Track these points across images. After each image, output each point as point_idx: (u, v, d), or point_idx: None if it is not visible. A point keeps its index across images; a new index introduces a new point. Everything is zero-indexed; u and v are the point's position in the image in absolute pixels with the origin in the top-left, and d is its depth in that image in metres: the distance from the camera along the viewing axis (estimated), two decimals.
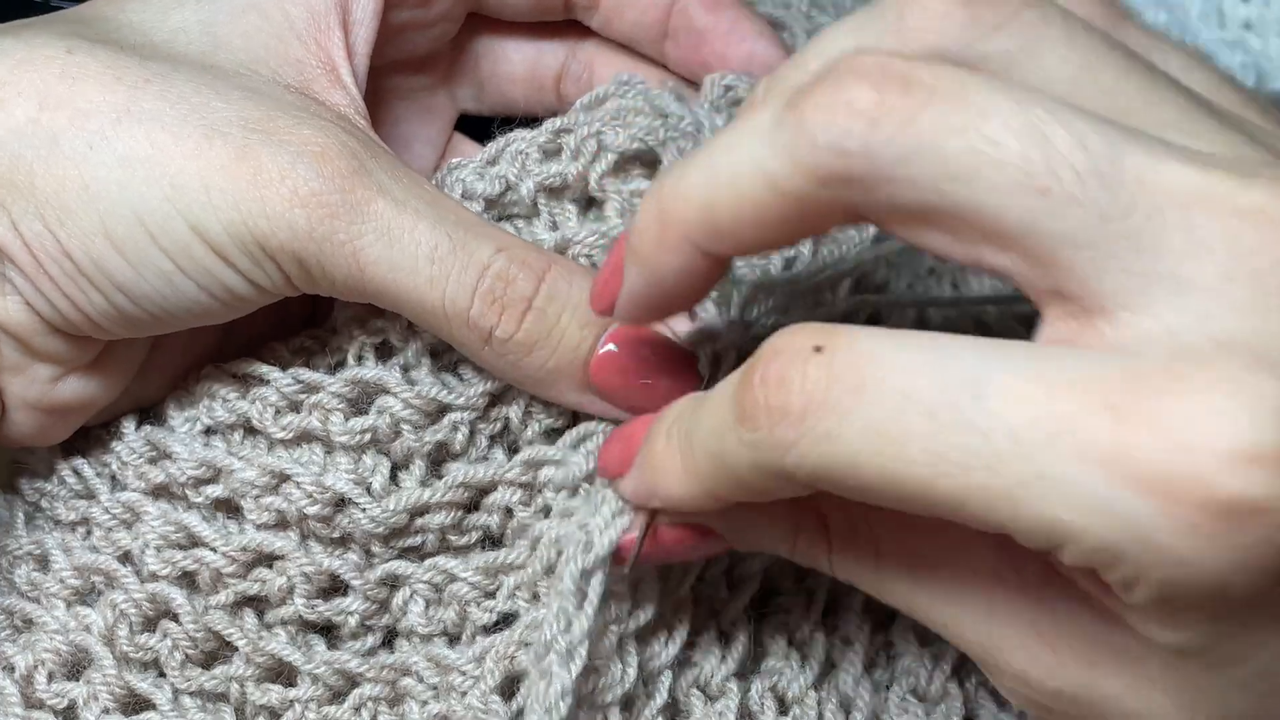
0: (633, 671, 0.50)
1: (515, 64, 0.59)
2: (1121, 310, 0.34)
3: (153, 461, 0.50)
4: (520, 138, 0.52)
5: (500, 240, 0.47)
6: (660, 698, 0.51)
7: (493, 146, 0.52)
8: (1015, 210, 0.34)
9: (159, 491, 0.50)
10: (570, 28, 0.58)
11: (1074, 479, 0.32)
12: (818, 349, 0.35)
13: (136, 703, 0.49)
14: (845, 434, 0.34)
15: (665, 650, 0.52)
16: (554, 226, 0.51)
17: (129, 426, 0.51)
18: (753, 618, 0.54)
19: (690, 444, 0.40)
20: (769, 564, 0.54)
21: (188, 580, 0.50)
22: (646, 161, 0.52)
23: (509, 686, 0.49)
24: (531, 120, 0.54)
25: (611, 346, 0.47)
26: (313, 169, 0.45)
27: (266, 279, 0.46)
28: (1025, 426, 0.33)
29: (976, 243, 0.35)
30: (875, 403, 0.34)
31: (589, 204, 0.52)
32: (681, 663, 0.52)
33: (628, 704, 0.51)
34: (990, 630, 0.40)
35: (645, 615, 0.51)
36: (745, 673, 0.53)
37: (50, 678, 0.49)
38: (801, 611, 0.54)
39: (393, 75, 0.57)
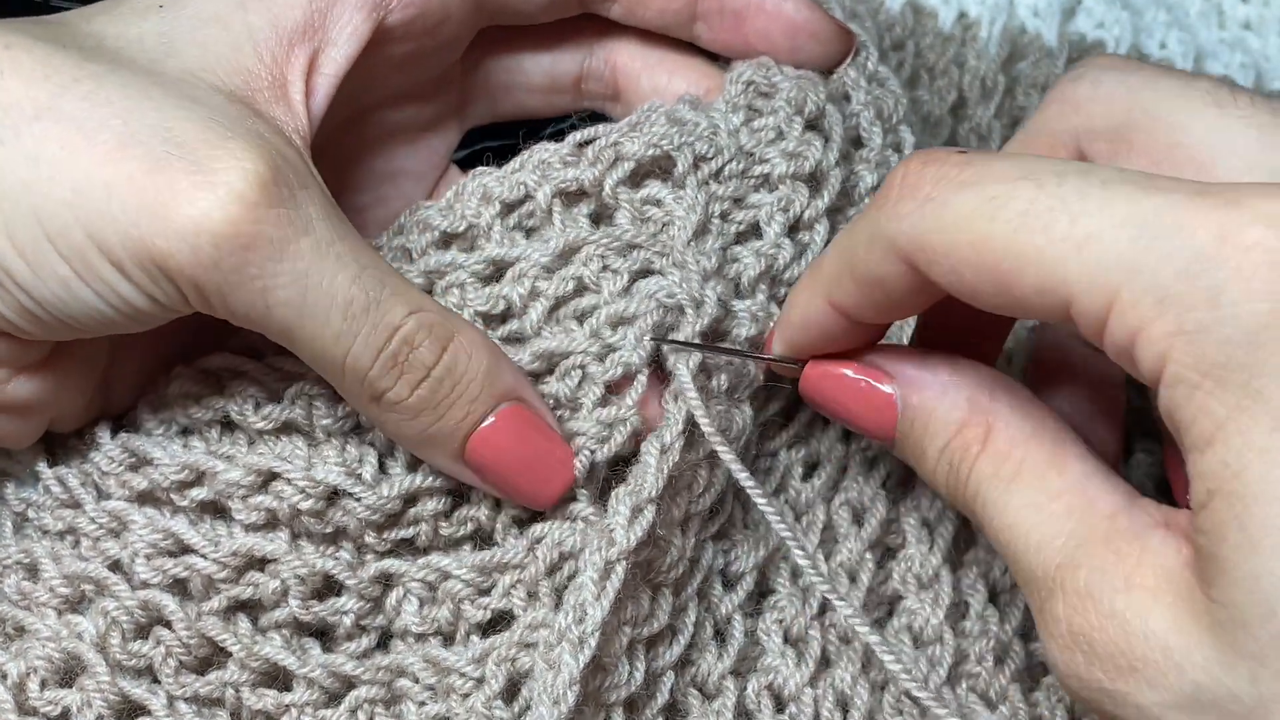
0: (640, 675, 0.50)
1: (531, 74, 0.59)
2: None
3: (133, 469, 0.50)
4: (544, 149, 0.53)
5: (415, 301, 0.46)
6: (662, 697, 0.52)
7: (518, 159, 0.53)
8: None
9: (144, 498, 0.50)
10: (585, 25, 0.58)
11: (1147, 223, 0.37)
12: (963, 152, 0.41)
13: (131, 709, 0.49)
14: (956, 201, 0.40)
15: (669, 651, 0.52)
16: (564, 230, 0.51)
17: (104, 435, 0.51)
18: (749, 615, 0.54)
19: (822, 255, 0.47)
20: (763, 562, 0.54)
21: (180, 587, 0.49)
22: (663, 169, 0.53)
23: (510, 688, 0.49)
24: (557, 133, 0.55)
25: (496, 427, 0.47)
26: (233, 196, 0.43)
27: (164, 295, 0.44)
28: (1120, 189, 0.38)
29: (1159, 163, 0.43)
30: (995, 179, 0.39)
31: (601, 217, 0.53)
32: (680, 661, 0.52)
33: (630, 704, 0.51)
34: (1078, 550, 0.41)
35: (658, 623, 0.51)
36: (742, 671, 0.53)
37: (43, 685, 0.48)
38: (797, 609, 0.54)
39: (401, 106, 0.57)
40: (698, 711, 0.52)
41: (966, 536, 0.56)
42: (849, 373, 0.47)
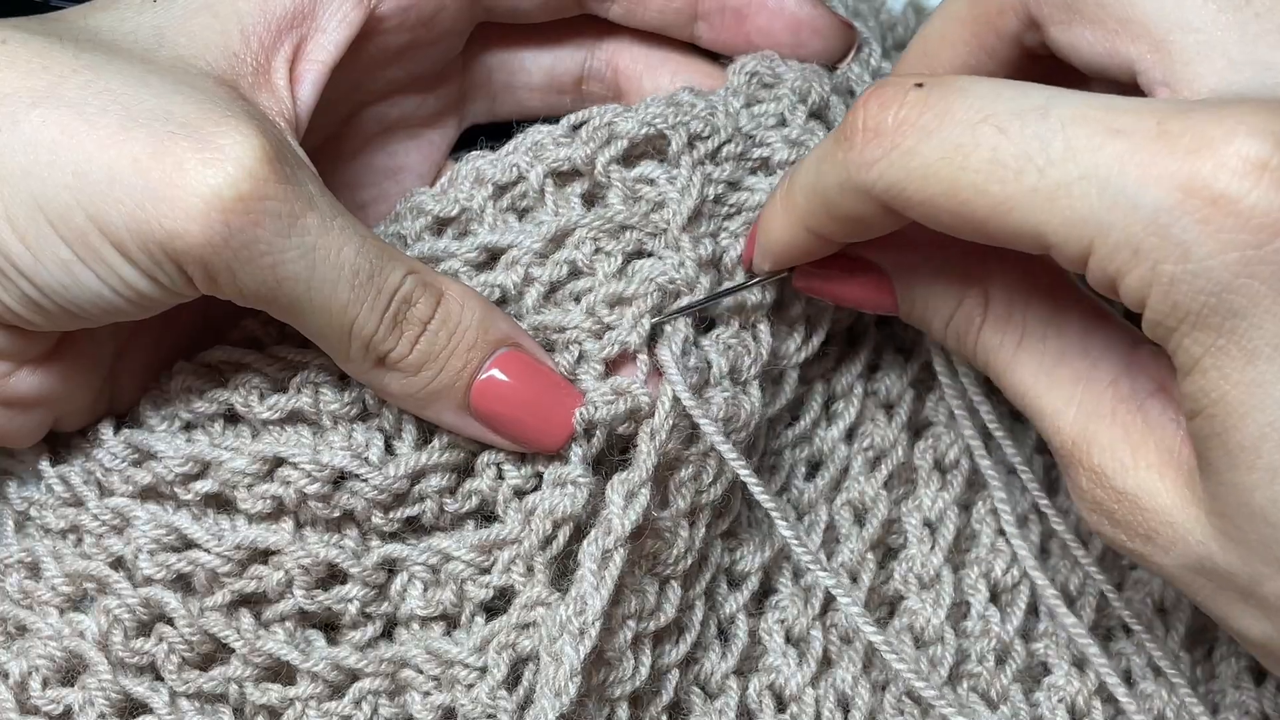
0: (645, 670, 0.51)
1: (532, 74, 0.59)
2: (1208, 88, 0.41)
3: (137, 464, 0.50)
4: (538, 130, 0.53)
5: (408, 263, 0.47)
6: (666, 695, 0.52)
7: (512, 142, 0.53)
8: None
9: (147, 493, 0.50)
10: (586, 25, 0.58)
11: (1112, 176, 0.38)
12: (919, 85, 0.41)
13: (133, 707, 0.49)
14: (923, 149, 0.41)
15: (675, 649, 0.52)
16: (556, 213, 0.52)
17: (107, 432, 0.51)
18: (751, 615, 0.54)
19: (791, 185, 0.47)
20: (768, 562, 0.54)
21: (183, 582, 0.49)
22: (658, 150, 0.53)
23: (514, 674, 0.50)
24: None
25: (496, 373, 0.48)
26: (243, 170, 0.43)
27: (166, 278, 0.44)
28: (1080, 134, 0.38)
29: (1114, 34, 0.43)
30: (957, 123, 0.40)
31: (594, 197, 0.53)
32: (685, 659, 0.53)
33: (635, 700, 0.51)
34: (1088, 426, 0.45)
35: (665, 616, 0.51)
36: (744, 670, 0.53)
37: (45, 684, 0.49)
38: (799, 609, 0.54)
39: (399, 100, 0.57)
40: (700, 710, 0.52)
41: (968, 536, 0.56)
42: (840, 272, 0.50)
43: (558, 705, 0.47)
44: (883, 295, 0.50)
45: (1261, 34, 0.41)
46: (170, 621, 0.49)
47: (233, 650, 0.49)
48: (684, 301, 0.51)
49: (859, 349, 0.57)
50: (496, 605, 0.51)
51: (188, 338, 0.53)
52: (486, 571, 0.51)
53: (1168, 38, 0.42)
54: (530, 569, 0.50)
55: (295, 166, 0.45)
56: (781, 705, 0.53)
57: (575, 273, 0.51)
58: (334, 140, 0.56)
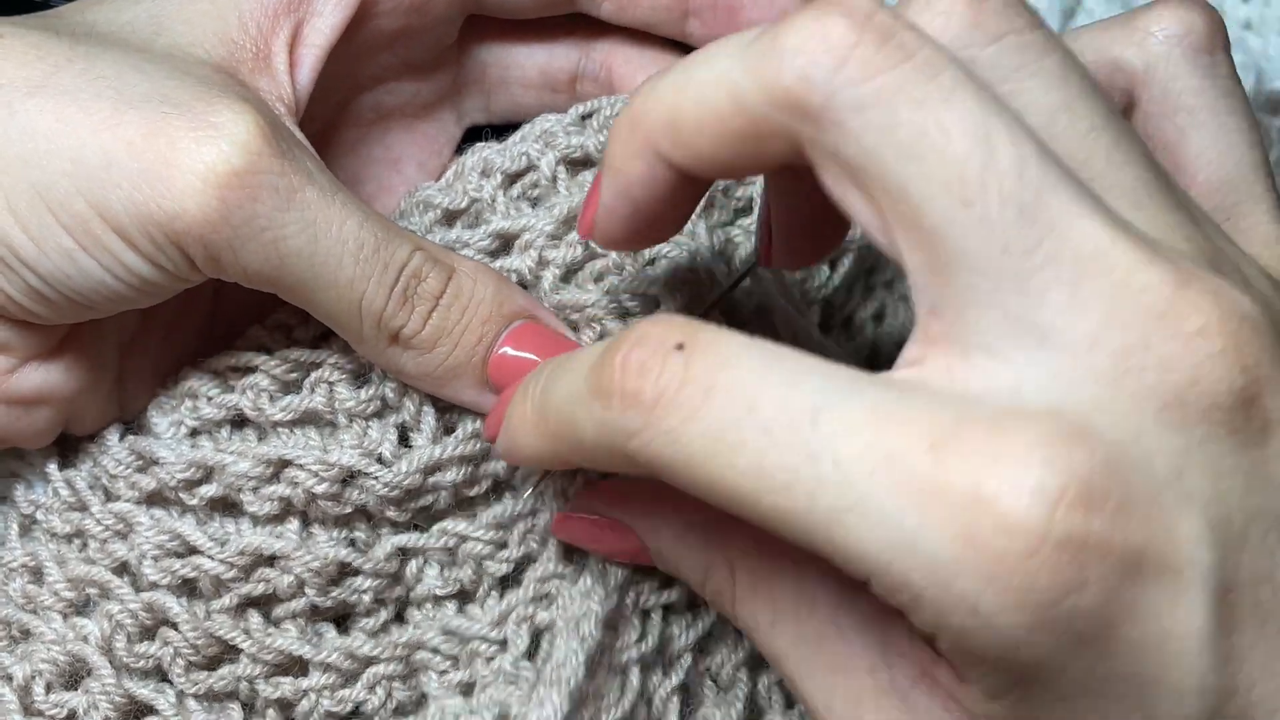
0: (653, 639, 0.50)
1: (526, 69, 0.59)
2: (981, 352, 0.35)
3: (141, 470, 0.50)
4: (546, 119, 0.53)
5: (415, 239, 0.47)
6: (676, 677, 0.51)
7: (519, 132, 0.53)
8: (936, 210, 0.34)
9: (153, 499, 0.50)
10: (580, 25, 0.58)
11: (887, 512, 0.33)
12: (680, 346, 0.36)
13: (137, 710, 0.49)
14: (685, 434, 0.35)
15: (687, 633, 0.52)
16: (569, 196, 0.52)
17: (112, 437, 0.51)
18: None
19: (545, 403, 0.41)
20: None
21: (189, 586, 0.49)
22: None
23: (533, 641, 0.50)
24: None
25: (513, 347, 0.48)
26: (237, 145, 0.43)
27: (169, 262, 0.44)
28: (851, 456, 0.33)
29: (892, 226, 0.35)
30: (719, 409, 0.35)
31: None
32: (698, 646, 0.52)
33: (646, 671, 0.51)
34: (855, 717, 0.40)
35: (671, 595, 0.51)
36: (755, 664, 0.53)
37: (49, 688, 0.48)
38: None
39: (393, 87, 0.57)
40: (711, 701, 0.52)
41: None
42: (592, 529, 0.48)
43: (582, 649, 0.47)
44: (639, 557, 0.47)
45: (1040, 288, 0.34)
46: (174, 625, 0.49)
47: (241, 650, 0.49)
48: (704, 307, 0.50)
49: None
50: (508, 580, 0.51)
51: (197, 341, 0.53)
52: (504, 546, 0.50)
53: (949, 267, 0.35)
54: (545, 539, 0.50)
55: (293, 142, 0.45)
56: (790, 702, 0.53)
57: (591, 254, 0.51)
58: (331, 129, 0.56)
